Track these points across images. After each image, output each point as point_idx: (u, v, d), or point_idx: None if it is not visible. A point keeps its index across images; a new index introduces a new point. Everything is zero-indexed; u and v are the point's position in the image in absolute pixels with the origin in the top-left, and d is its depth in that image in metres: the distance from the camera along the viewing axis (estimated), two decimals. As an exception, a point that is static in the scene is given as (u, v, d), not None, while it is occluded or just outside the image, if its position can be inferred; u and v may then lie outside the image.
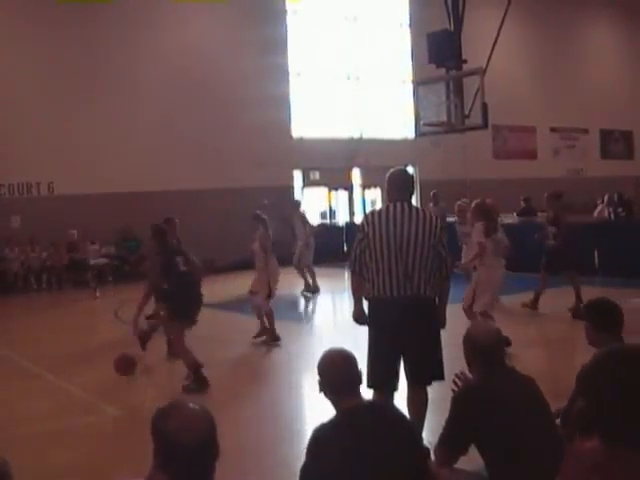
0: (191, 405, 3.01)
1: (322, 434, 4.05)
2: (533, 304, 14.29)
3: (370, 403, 4.21)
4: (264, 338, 12.73)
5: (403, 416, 4.49)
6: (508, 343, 11.14)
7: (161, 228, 10.85)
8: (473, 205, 12.26)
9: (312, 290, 19.14)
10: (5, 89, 22.92)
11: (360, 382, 4.27)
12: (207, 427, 2.95)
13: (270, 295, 12.77)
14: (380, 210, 6.46)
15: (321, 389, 4.27)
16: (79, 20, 23.91)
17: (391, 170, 6.69)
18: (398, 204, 6.37)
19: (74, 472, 7.10)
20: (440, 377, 6.32)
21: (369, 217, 6.46)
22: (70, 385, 10.72)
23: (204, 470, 2.92)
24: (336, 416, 4.13)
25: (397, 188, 6.51)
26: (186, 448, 2.85)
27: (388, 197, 6.58)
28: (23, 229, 22.78)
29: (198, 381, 9.75)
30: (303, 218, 19.66)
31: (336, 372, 4.20)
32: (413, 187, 6.75)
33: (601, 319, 5.09)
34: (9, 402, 9.95)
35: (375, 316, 6.39)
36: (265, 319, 12.83)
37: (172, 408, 3.00)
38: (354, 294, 6.59)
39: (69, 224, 22.54)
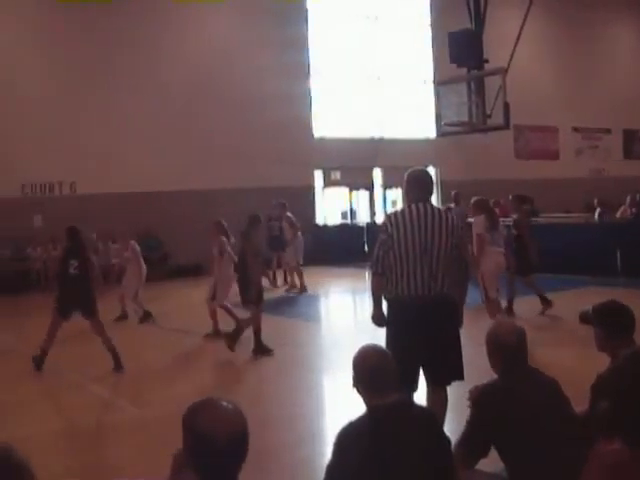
0: (224, 403, 2.94)
1: (348, 432, 4.02)
2: (545, 306, 14.18)
3: (398, 402, 4.18)
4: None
5: (432, 415, 4.46)
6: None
7: (72, 229, 11.72)
8: (473, 201, 12.63)
9: (301, 290, 19.39)
10: (26, 90, 23.03)
11: (394, 381, 4.21)
12: (240, 425, 2.89)
13: (214, 297, 13.55)
14: (402, 211, 6.43)
15: (354, 384, 4.25)
16: (99, 20, 23.98)
17: (410, 170, 6.66)
18: (420, 205, 6.35)
19: (91, 471, 7.11)
20: (460, 377, 6.30)
21: (392, 218, 6.42)
22: (88, 382, 10.77)
23: (234, 469, 2.87)
24: (364, 414, 4.11)
25: (418, 188, 6.49)
26: (219, 445, 2.80)
27: (408, 197, 6.55)
28: (45, 228, 22.89)
29: (38, 359, 11.28)
30: (290, 220, 19.76)
31: (369, 368, 4.18)
32: (433, 187, 6.73)
33: (613, 324, 4.79)
34: (27, 400, 9.99)
35: (397, 316, 6.36)
36: (210, 316, 13.58)
37: (205, 405, 2.93)
38: (374, 295, 6.54)
39: (91, 223, 22.62)
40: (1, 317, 17.29)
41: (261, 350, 11.85)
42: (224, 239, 13.64)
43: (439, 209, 6.51)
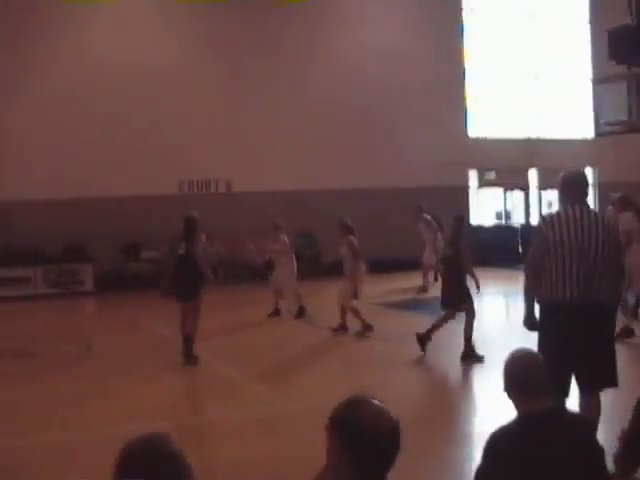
0: (375, 401, 2.95)
1: (499, 437, 3.99)
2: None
3: (550, 408, 4.11)
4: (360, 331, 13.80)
5: (585, 422, 4.38)
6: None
7: (189, 217, 12.87)
8: (617, 197, 13.08)
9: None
10: (182, 91, 23.74)
11: (545, 386, 4.15)
12: (396, 423, 2.91)
13: (355, 296, 13.85)
14: (559, 213, 6.36)
15: (505, 389, 4.23)
16: (253, 19, 24.49)
17: (567, 172, 6.57)
18: (577, 207, 6.26)
19: (222, 467, 7.25)
20: (613, 384, 6.16)
21: (548, 220, 6.36)
22: (235, 374, 11.01)
23: (388, 466, 2.89)
24: (515, 419, 4.06)
25: (573, 190, 6.39)
26: (384, 442, 2.83)
27: (563, 199, 6.46)
28: (200, 225, 23.44)
29: (190, 357, 11.59)
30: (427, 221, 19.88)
31: (520, 373, 4.14)
32: (588, 189, 6.61)
33: None
34: (171, 392, 10.32)
35: (550, 319, 6.26)
36: (353, 316, 13.87)
37: (359, 401, 2.95)
38: (527, 298, 6.48)
39: (244, 221, 23.10)
40: (163, 313, 17.83)
41: (474, 356, 11.35)
42: (353, 238, 13.87)
43: (595, 212, 6.40)
